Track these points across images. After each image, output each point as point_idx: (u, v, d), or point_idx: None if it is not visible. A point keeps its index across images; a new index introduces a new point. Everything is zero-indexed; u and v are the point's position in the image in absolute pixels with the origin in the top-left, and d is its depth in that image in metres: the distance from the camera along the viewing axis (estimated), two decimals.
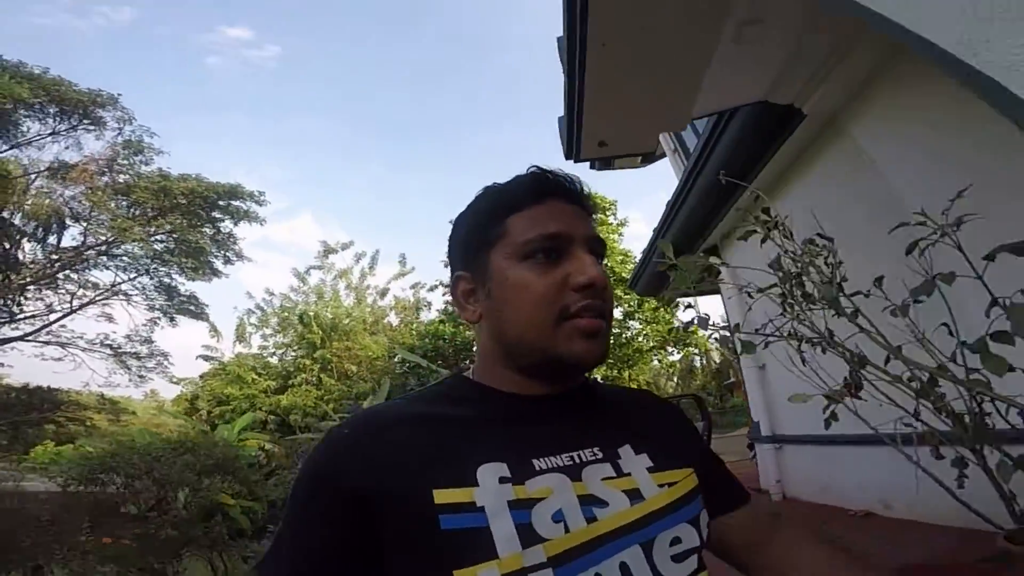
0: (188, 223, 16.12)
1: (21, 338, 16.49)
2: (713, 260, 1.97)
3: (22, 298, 16.47)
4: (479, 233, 0.70)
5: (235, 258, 16.99)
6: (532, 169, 0.72)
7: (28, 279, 16.18)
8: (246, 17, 43.38)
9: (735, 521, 0.74)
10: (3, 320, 16.50)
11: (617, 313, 15.17)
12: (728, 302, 5.76)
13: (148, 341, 17.85)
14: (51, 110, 14.97)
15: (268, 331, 15.78)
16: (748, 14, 2.51)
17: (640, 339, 14.27)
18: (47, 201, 16.23)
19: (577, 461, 0.62)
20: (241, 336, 15.94)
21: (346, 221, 51.55)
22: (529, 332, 0.64)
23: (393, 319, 15.30)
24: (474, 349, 0.66)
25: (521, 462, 0.59)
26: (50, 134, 15.64)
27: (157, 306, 17.57)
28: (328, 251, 15.31)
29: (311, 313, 14.37)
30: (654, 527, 0.60)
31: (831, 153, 3.70)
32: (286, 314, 15.24)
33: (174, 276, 17.30)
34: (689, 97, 2.88)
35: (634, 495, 0.61)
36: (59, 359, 17.19)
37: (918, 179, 2.77)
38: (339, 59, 45.59)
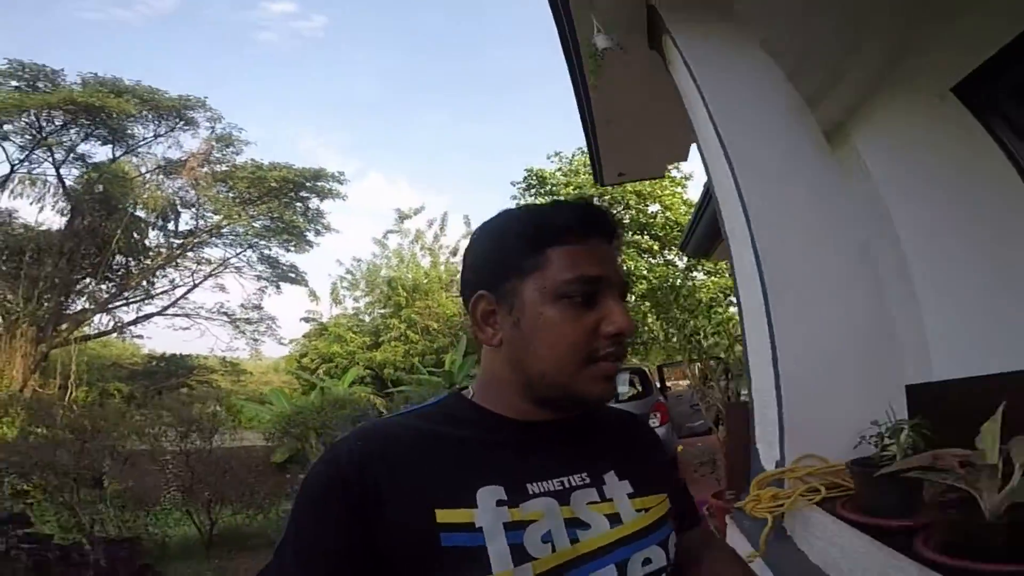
0: (282, 204, 18.32)
1: (157, 313, 19.55)
2: None
3: (152, 278, 19.37)
4: (514, 258, 0.68)
5: (324, 230, 19.21)
6: (578, 200, 0.73)
7: (158, 263, 18.96)
8: None
9: (682, 543, 0.77)
10: (140, 299, 19.54)
11: (680, 264, 15.81)
12: None
13: (258, 308, 20.48)
14: (150, 116, 17.29)
15: (358, 293, 17.73)
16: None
17: (702, 291, 14.84)
18: (160, 193, 18.74)
19: (566, 486, 0.66)
20: (336, 299, 18.00)
21: (414, 178, 53.13)
22: (554, 371, 0.66)
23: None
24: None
25: (517, 486, 0.63)
26: (153, 137, 18.03)
27: (263, 276, 20.09)
28: (403, 216, 16.70)
29: (394, 276, 16.06)
30: (628, 548, 0.65)
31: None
32: (372, 277, 17.00)
33: (274, 249, 19.68)
34: (688, 137, 3.29)
35: (614, 519, 0.66)
36: (186, 328, 20.21)
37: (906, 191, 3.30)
38: (387, 21, 45.89)
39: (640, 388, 8.48)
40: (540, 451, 0.68)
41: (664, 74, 2.55)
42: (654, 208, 16.00)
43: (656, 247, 15.74)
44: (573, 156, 16.66)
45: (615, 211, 15.29)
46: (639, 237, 16.15)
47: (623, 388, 7.45)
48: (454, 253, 16.57)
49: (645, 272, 15.43)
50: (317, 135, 48.56)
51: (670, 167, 7.13)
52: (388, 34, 47.03)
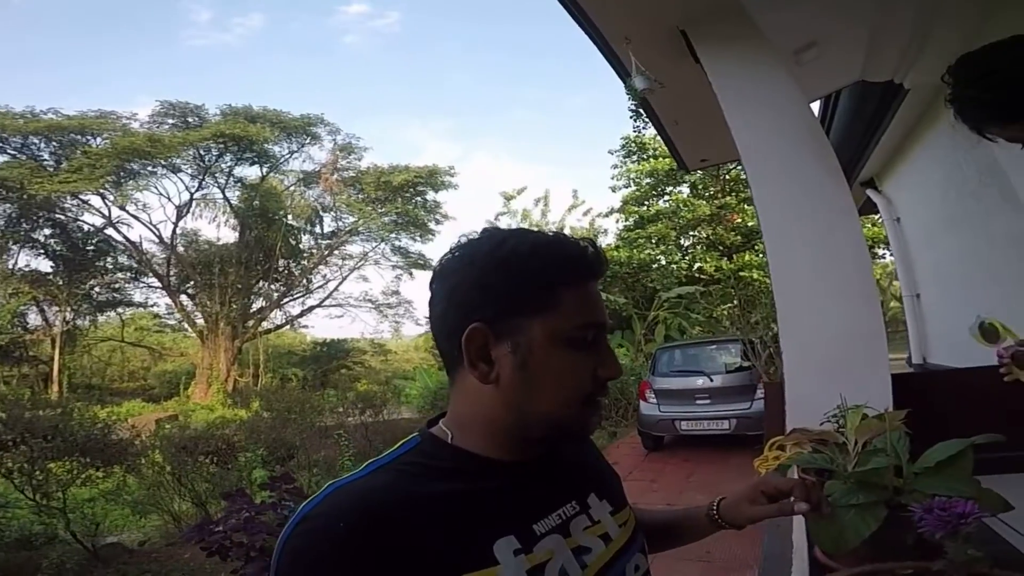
0: (404, 201, 20.40)
1: (317, 306, 22.74)
2: None
3: (310, 276, 22.53)
4: (523, 293, 0.63)
5: (443, 219, 21.21)
6: (588, 245, 0.69)
7: (312, 263, 22.03)
8: None
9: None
10: (302, 294, 22.84)
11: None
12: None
13: (396, 293, 22.99)
14: (282, 136, 20.00)
15: None
16: (796, 43, 2.99)
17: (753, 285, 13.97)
18: (304, 202, 21.60)
19: (564, 518, 0.68)
20: None
21: (516, 154, 53.72)
22: (558, 411, 0.66)
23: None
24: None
25: (525, 531, 0.63)
26: (288, 154, 20.84)
27: (397, 265, 22.47)
28: (507, 197, 17.45)
29: None
30: (622, 561, 0.70)
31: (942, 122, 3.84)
32: None
33: (403, 241, 21.90)
34: None
35: (606, 538, 0.70)
36: (340, 316, 23.39)
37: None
38: (458, 3, 46.13)
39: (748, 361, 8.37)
40: (534, 489, 0.67)
41: None
42: None
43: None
44: None
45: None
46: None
47: (735, 359, 7.37)
48: (561, 229, 17.01)
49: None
50: (421, 124, 50.73)
51: None
52: (461, 14, 47.21)
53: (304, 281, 22.26)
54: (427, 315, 0.69)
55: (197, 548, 3.09)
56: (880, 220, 6.88)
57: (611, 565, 0.67)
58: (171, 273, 20.64)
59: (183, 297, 21.20)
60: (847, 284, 2.11)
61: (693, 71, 3.01)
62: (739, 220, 15.28)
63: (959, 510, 0.68)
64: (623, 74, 3.17)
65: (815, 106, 4.63)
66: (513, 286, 0.62)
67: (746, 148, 2.34)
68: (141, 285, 21.28)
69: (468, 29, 46.61)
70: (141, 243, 20.04)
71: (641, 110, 3.46)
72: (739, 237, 15.33)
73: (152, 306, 22.39)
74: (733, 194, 15.73)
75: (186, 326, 21.75)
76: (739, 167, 15.02)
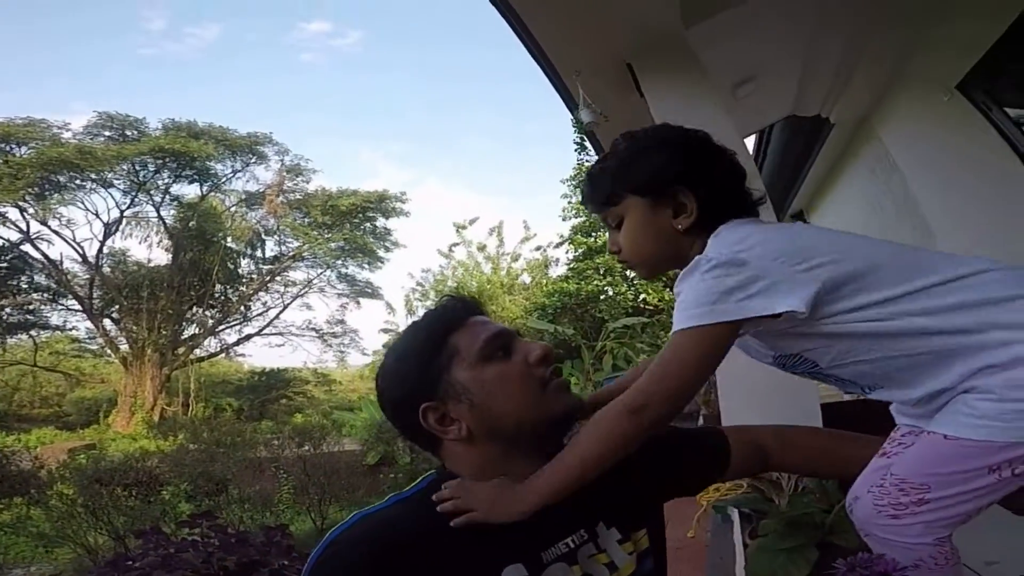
0: (353, 227, 20.00)
1: (256, 334, 21.69)
2: None
3: (248, 302, 21.53)
4: (430, 362, 0.72)
5: (392, 246, 20.83)
6: (447, 298, 0.80)
7: (252, 289, 21.08)
8: (318, 11, 46.19)
9: (738, 463, 0.85)
10: (240, 321, 21.76)
11: None
12: None
13: (341, 322, 22.27)
14: (226, 154, 19.30)
15: (429, 303, 18.78)
16: (734, 77, 3.18)
17: None
18: (245, 224, 20.78)
19: (572, 546, 0.70)
20: (410, 309, 19.12)
21: (470, 182, 53.99)
22: (525, 410, 0.70)
23: (526, 278, 17.19)
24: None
25: (533, 559, 0.66)
26: (232, 173, 20.13)
27: (343, 293, 21.81)
28: (459, 227, 17.51)
29: (460, 284, 16.91)
30: None
31: (863, 155, 4.30)
32: (440, 286, 17.96)
33: (351, 268, 21.36)
34: None
35: (611, 567, 0.71)
36: (281, 345, 22.30)
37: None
38: (420, 28, 46.90)
39: None
40: (543, 519, 0.68)
41: None
42: None
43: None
44: None
45: None
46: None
47: None
48: (515, 259, 17.15)
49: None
50: (374, 147, 50.45)
51: None
52: (422, 40, 47.94)
53: (242, 308, 21.23)
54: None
55: None
56: None
57: None
58: (94, 295, 19.20)
59: (107, 321, 19.72)
60: None
61: (638, 105, 3.13)
62: None
63: (880, 568, 0.64)
64: (571, 106, 3.26)
65: (750, 141, 4.89)
66: (424, 360, 0.74)
67: None
68: (59, 307, 19.65)
69: (428, 54, 47.16)
70: (62, 261, 18.60)
71: (588, 143, 3.53)
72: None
73: (71, 329, 20.63)
74: None
75: (108, 352, 20.17)
76: None
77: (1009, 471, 0.53)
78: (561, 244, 17.59)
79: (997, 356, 0.53)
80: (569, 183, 17.43)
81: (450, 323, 0.76)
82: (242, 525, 5.87)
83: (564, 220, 17.58)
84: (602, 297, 15.42)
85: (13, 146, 16.75)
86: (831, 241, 0.64)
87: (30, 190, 16.66)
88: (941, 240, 3.73)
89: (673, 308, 0.70)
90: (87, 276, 19.07)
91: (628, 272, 17.18)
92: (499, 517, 0.67)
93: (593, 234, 16.90)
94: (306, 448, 8.59)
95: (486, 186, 51.39)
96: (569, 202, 17.14)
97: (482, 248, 16.86)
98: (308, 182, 20.36)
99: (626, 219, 0.80)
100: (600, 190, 0.82)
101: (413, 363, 0.75)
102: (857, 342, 0.61)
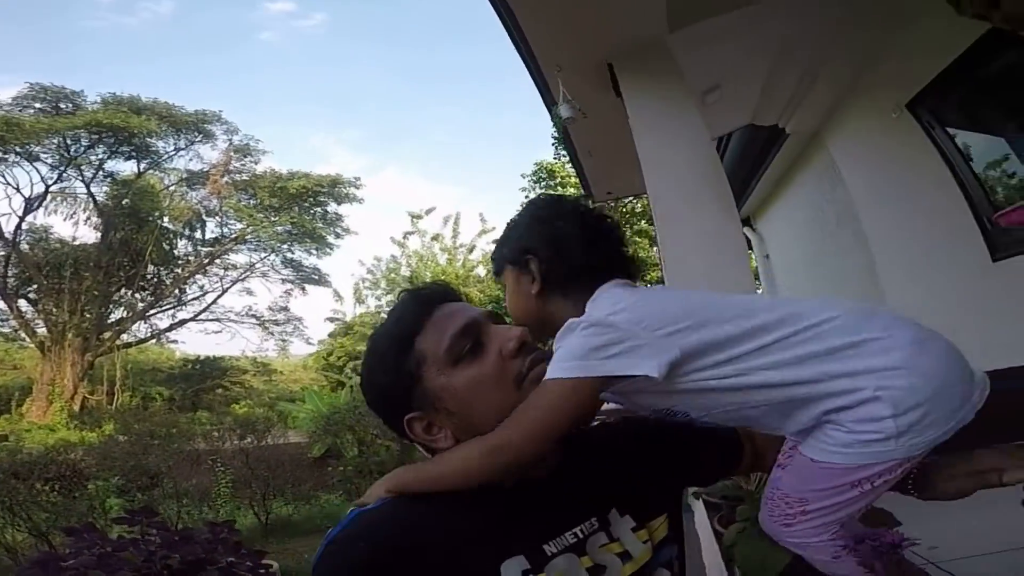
0: (302, 211, 19.16)
1: (190, 319, 20.52)
2: None
3: (184, 285, 20.35)
4: (399, 371, 0.70)
5: (343, 232, 20.11)
6: (405, 294, 0.76)
7: (188, 271, 19.93)
8: None
9: (747, 460, 0.86)
10: (173, 306, 20.54)
11: None
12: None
13: (285, 309, 21.38)
14: (170, 132, 18.15)
15: (380, 292, 18.42)
16: (705, 84, 3.38)
17: None
18: (185, 204, 19.63)
19: (580, 536, 0.67)
20: (359, 298, 18.68)
21: (427, 172, 53.35)
22: (504, 412, 0.66)
23: (481, 271, 17.16)
24: None
25: (535, 551, 0.64)
26: (174, 151, 18.93)
27: (288, 279, 20.94)
28: (415, 217, 17.26)
29: (413, 274, 16.70)
30: None
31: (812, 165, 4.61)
32: (392, 275, 17.67)
33: (297, 253, 20.50)
34: None
35: (625, 556, 0.68)
36: (218, 332, 21.20)
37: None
38: (386, 14, 45.71)
39: None
40: (545, 509, 0.67)
41: None
42: None
43: None
44: None
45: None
46: (650, 226, 16.51)
47: None
48: (470, 251, 17.09)
49: (657, 261, 15.83)
50: (328, 132, 48.92)
51: None
52: (386, 27, 46.96)
53: (176, 291, 20.04)
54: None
55: None
56: (753, 256, 7.74)
57: None
58: (9, 274, 17.64)
59: (22, 302, 18.16)
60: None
61: (613, 105, 3.20)
62: (631, 251, 16.30)
63: (889, 540, 0.72)
64: (549, 101, 3.29)
65: None
66: (392, 375, 0.71)
67: (653, 184, 2.53)
68: None
69: (392, 42, 46.03)
70: None
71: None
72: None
73: None
74: (628, 226, 16.80)
75: (23, 335, 18.59)
76: (635, 200, 16.20)
77: (869, 484, 0.63)
78: None
79: (845, 399, 0.62)
80: (529, 178, 17.55)
81: (413, 325, 0.72)
82: (180, 521, 5.62)
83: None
84: None
85: None
86: (692, 306, 0.70)
87: None
88: (875, 248, 4.02)
89: None
90: (2, 253, 17.49)
91: None
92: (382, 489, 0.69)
93: None
94: (248, 440, 8.28)
95: (443, 177, 50.93)
96: (527, 196, 17.29)
97: (436, 238, 16.70)
98: (257, 163, 19.37)
99: (506, 287, 0.86)
100: (494, 261, 0.89)
101: (385, 378, 0.73)
102: (718, 396, 0.67)
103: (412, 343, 0.71)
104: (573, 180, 16.56)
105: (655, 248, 16.71)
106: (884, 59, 3.41)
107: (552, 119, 3.16)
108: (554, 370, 0.67)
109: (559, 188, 16.62)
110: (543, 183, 17.21)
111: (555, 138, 14.96)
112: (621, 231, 0.85)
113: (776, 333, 0.65)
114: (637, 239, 16.28)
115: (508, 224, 0.88)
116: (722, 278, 2.35)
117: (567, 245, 0.78)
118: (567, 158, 16.73)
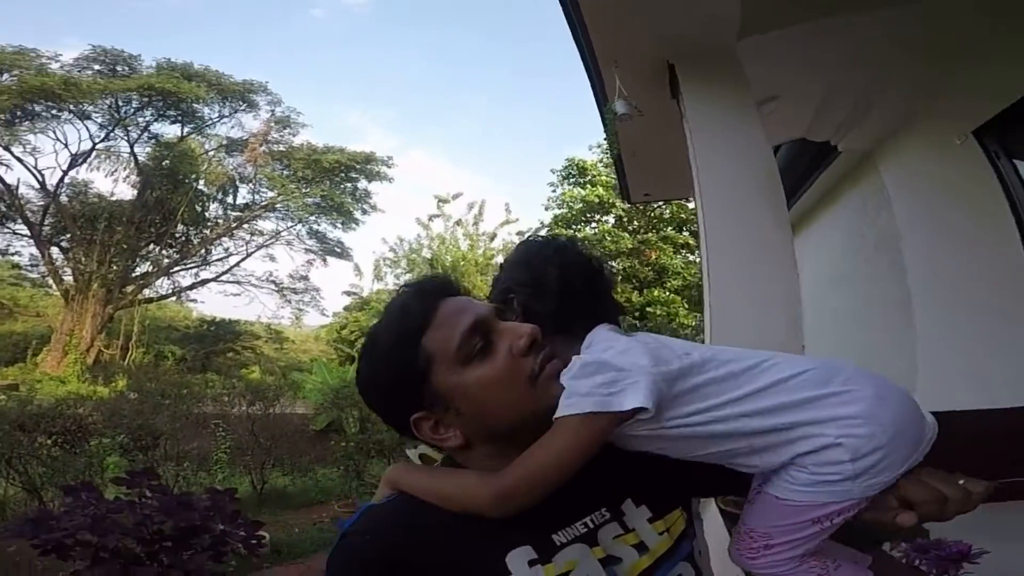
0: (333, 185, 19.47)
1: (212, 279, 20.90)
2: None
3: (210, 246, 20.71)
4: (407, 371, 0.68)
5: (371, 209, 20.39)
6: (406, 289, 0.75)
7: (216, 233, 20.29)
8: None
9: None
10: (198, 265, 20.93)
11: None
12: None
13: (304, 279, 21.69)
14: (216, 99, 18.63)
15: (400, 271, 18.51)
16: (762, 94, 3.39)
17: None
18: (221, 169, 19.96)
19: (591, 526, 0.67)
20: (378, 275, 18.81)
21: (455, 157, 53.48)
22: (517, 411, 0.67)
23: (500, 260, 17.22)
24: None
25: (543, 541, 0.63)
26: (218, 118, 19.38)
27: (311, 250, 21.25)
28: (441, 201, 17.32)
29: (435, 256, 16.76)
30: (661, 571, 0.67)
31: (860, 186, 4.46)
32: (414, 256, 17.75)
33: (323, 225, 20.80)
34: None
35: (641, 548, 0.67)
36: (237, 294, 21.53)
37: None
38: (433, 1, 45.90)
39: None
40: (554, 498, 0.64)
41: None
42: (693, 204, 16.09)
43: (693, 243, 15.85)
44: None
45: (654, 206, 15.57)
46: (676, 233, 16.32)
47: None
48: (491, 239, 17.10)
49: (680, 269, 15.66)
50: (364, 110, 49.28)
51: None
52: (433, 12, 47.09)
53: (202, 251, 20.42)
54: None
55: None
56: None
57: (647, 575, 0.67)
58: (46, 222, 18.12)
59: (54, 250, 18.65)
60: (778, 335, 2.27)
61: (666, 106, 3.14)
62: (655, 257, 16.19)
63: (955, 550, 0.73)
64: (601, 96, 3.24)
65: None
66: (399, 374, 0.69)
67: (706, 189, 2.46)
68: (6, 231, 18.44)
69: (437, 28, 46.20)
70: (18, 186, 17.50)
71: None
72: (652, 273, 16.22)
73: (13, 254, 19.42)
74: (655, 231, 16.64)
75: (50, 282, 19.09)
76: (663, 206, 16.02)
77: (828, 521, 0.68)
78: (540, 231, 17.65)
79: (810, 444, 0.67)
80: (559, 173, 17.47)
81: (420, 322, 0.69)
82: (177, 486, 5.51)
83: (547, 210, 17.67)
84: None
85: None
86: (679, 349, 0.73)
87: (0, 116, 15.81)
88: (913, 281, 3.88)
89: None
90: (42, 203, 17.99)
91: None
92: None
93: (573, 226, 17.01)
94: (256, 407, 8.25)
95: (472, 165, 51.01)
96: (554, 191, 17.25)
97: (459, 223, 16.72)
98: (295, 135, 19.72)
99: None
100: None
101: (390, 376, 0.70)
102: (698, 442, 0.71)
103: (419, 340, 0.68)
104: (603, 178, 16.45)
105: (678, 255, 16.51)
106: (948, 88, 3.29)
107: (603, 115, 3.11)
108: (563, 407, 0.66)
109: (588, 185, 16.53)
110: (572, 179, 17.12)
111: (602, 137, 14.87)
112: (608, 276, 0.84)
113: (757, 382, 0.69)
114: (662, 245, 16.18)
115: (500, 264, 0.89)
116: (768, 292, 2.29)
117: (556, 290, 0.78)
118: (604, 155, 16.68)
